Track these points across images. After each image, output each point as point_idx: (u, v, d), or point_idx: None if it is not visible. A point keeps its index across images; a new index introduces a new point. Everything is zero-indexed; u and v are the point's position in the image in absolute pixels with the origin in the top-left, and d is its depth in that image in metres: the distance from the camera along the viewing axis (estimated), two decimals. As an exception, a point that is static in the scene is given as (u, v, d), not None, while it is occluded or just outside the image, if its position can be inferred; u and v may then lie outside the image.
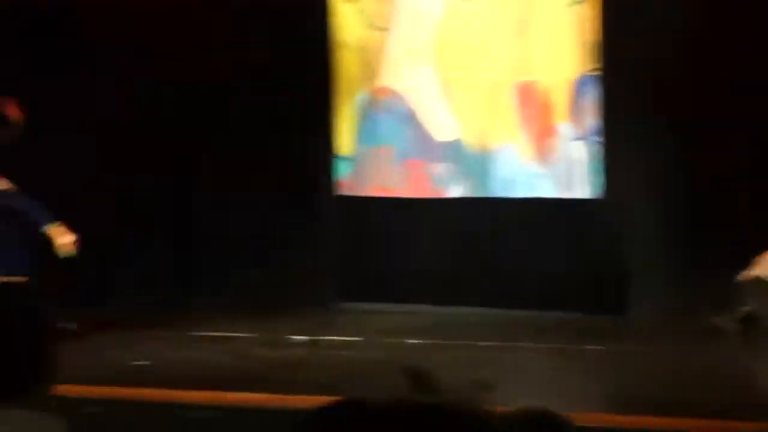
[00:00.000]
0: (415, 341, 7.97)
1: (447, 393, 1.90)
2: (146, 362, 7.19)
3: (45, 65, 9.39)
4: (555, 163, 9.40)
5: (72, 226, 7.90)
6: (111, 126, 9.32)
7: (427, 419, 1.79)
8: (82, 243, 7.88)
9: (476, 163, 9.50)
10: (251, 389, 6.46)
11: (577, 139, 9.40)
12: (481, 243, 9.41)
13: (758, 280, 6.92)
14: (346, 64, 9.64)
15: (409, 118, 9.59)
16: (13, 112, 7.80)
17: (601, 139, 9.29)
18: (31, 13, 9.54)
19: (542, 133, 9.43)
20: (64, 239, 7.75)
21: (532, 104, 9.45)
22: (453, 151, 9.55)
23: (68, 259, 7.84)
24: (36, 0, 9.55)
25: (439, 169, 9.58)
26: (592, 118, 9.32)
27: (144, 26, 9.49)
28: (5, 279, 6.73)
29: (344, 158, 9.66)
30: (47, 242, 7.83)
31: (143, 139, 9.44)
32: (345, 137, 9.66)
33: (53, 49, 9.46)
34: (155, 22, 9.41)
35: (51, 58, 9.42)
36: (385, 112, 9.62)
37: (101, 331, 8.17)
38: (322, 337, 7.99)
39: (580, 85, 9.39)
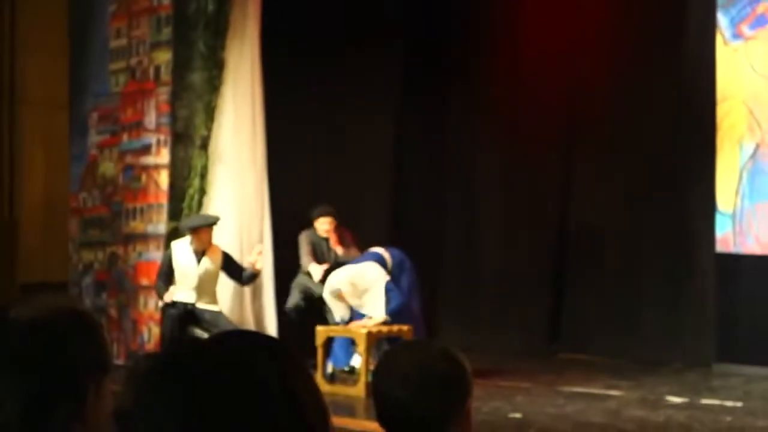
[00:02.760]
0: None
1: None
2: (519, 415, 7.21)
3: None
4: None
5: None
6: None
7: None
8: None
9: None
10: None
11: None
12: None
13: None
14: (731, 114, 9.31)
15: (802, 173, 9.08)
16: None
17: None
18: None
19: None
20: None
21: None
22: None
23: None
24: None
25: (832, 226, 9.01)
26: None
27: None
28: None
29: (724, 214, 9.32)
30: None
31: (529, 196, 9.63)
32: (725, 192, 9.31)
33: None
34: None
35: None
36: (773, 166, 9.18)
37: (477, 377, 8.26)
38: (700, 400, 7.68)
39: None
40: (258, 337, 1.38)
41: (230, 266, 8.48)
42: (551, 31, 9.58)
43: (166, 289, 8.21)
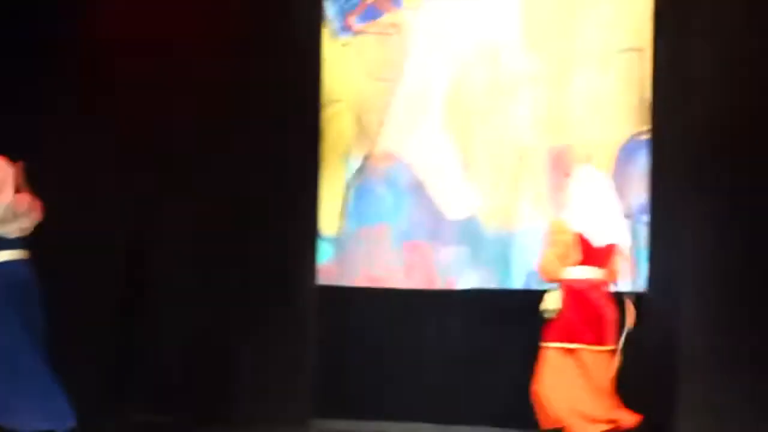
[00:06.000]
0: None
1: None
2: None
3: None
4: (593, 249, 7.78)
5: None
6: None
7: None
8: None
9: (495, 247, 7.95)
10: None
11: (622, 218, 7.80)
12: (496, 346, 7.84)
13: None
14: (337, 121, 8.24)
15: (413, 191, 8.11)
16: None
17: (651, 219, 7.67)
18: None
19: (579, 210, 7.83)
20: None
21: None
22: (466, 232, 8.02)
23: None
24: None
25: (448, 254, 8.04)
26: (640, 192, 7.74)
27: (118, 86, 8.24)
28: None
29: (328, 239, 8.20)
30: None
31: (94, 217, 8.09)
32: (330, 212, 8.18)
33: None
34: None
35: None
36: (383, 183, 8.17)
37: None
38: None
39: (627, 151, 7.80)
40: None
41: None
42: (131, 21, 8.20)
43: None
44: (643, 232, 7.66)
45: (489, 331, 7.85)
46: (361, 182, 8.19)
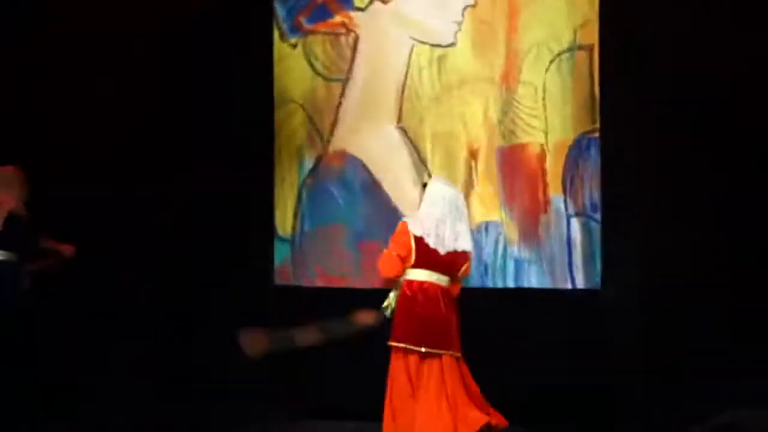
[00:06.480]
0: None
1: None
2: None
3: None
4: (545, 246, 7.90)
5: None
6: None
7: None
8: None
9: (449, 244, 8.01)
10: None
11: (573, 216, 7.92)
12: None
13: None
14: (289, 122, 8.28)
15: (368, 189, 8.17)
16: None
17: (602, 217, 7.80)
18: None
19: (531, 208, 7.95)
20: None
21: (519, 173, 7.98)
22: (421, 230, 8.08)
23: None
24: None
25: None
26: (591, 190, 7.87)
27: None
28: None
29: (283, 239, 8.24)
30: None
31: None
32: (285, 212, 8.22)
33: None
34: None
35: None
36: (337, 182, 8.21)
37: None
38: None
39: (577, 148, 7.92)
40: None
41: None
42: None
43: None
44: (597, 230, 7.79)
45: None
46: (314, 182, 8.23)
